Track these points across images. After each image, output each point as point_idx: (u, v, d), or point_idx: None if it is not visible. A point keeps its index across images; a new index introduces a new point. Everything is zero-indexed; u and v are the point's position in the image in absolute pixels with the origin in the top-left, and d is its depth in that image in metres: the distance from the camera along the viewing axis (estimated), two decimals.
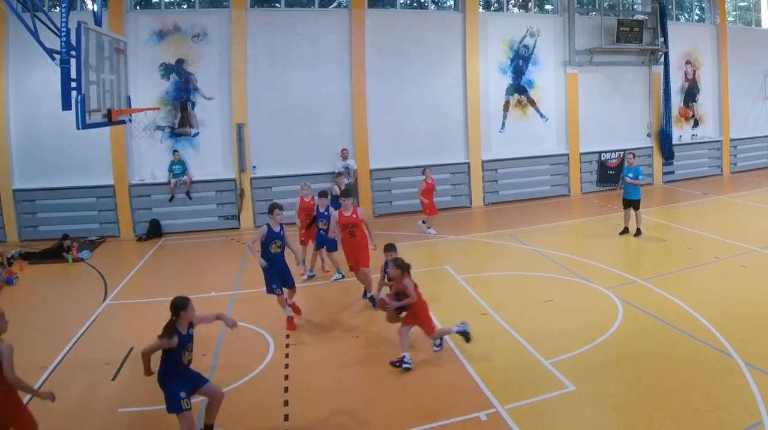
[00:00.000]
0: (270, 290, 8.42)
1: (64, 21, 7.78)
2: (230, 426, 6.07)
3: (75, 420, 6.26)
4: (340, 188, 12.66)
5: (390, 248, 8.04)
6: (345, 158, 15.79)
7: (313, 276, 11.03)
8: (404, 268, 7.17)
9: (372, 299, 9.09)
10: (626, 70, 19.09)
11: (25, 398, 5.67)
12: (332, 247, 10.54)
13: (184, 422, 5.34)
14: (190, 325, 5.54)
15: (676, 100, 19.82)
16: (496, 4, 18.48)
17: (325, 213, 10.39)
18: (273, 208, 8.45)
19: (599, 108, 18.64)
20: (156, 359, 5.46)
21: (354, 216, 9.12)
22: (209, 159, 15.56)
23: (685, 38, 19.74)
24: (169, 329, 5.33)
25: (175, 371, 5.41)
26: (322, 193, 10.59)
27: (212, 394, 5.74)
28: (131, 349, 7.88)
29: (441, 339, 7.61)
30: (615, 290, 9.44)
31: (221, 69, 15.35)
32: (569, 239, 13.69)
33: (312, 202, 10.97)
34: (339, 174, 13.63)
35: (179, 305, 5.42)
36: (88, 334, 8.66)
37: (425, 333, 7.32)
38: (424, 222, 14.29)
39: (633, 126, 19.24)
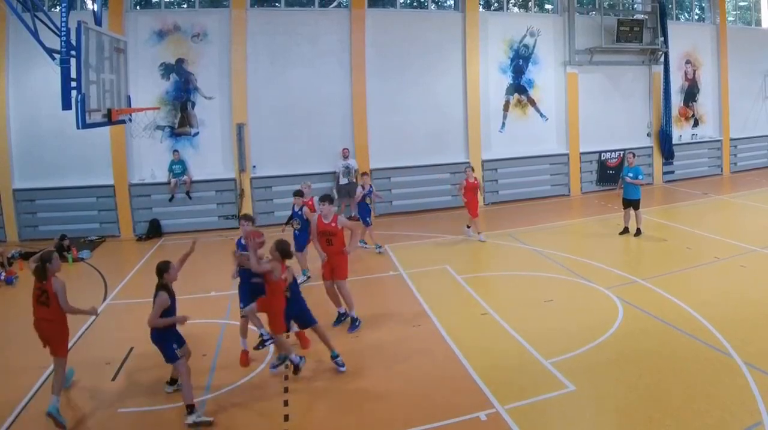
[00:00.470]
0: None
1: (64, 21, 7.78)
2: (230, 426, 6.09)
3: (75, 420, 6.25)
4: (364, 189, 12.54)
5: (247, 217, 7.97)
6: (346, 158, 15.81)
7: (309, 277, 10.72)
8: (283, 254, 6.84)
9: (354, 320, 8.46)
10: (626, 70, 19.09)
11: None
12: (300, 247, 10.46)
13: (182, 368, 6.29)
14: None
15: (676, 100, 19.82)
16: (496, 4, 18.47)
17: (299, 212, 10.39)
18: (240, 219, 8.04)
19: (599, 108, 18.64)
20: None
21: (333, 224, 8.41)
22: (209, 159, 15.56)
23: (685, 38, 19.73)
24: (165, 287, 6.24)
25: (169, 327, 6.29)
26: (297, 193, 10.56)
27: (186, 353, 6.57)
28: (131, 349, 7.89)
29: (282, 363, 7.12)
30: (615, 290, 9.45)
31: (221, 69, 15.34)
32: (569, 238, 13.69)
33: (311, 201, 11.01)
34: (364, 173, 13.23)
35: (162, 268, 6.34)
36: (89, 334, 8.65)
37: (270, 329, 7.02)
38: (469, 227, 13.50)
39: (633, 126, 19.24)
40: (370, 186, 12.73)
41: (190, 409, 6.11)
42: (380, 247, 12.58)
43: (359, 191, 12.62)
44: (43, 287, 6.38)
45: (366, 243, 12.85)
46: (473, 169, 13.71)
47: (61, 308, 6.32)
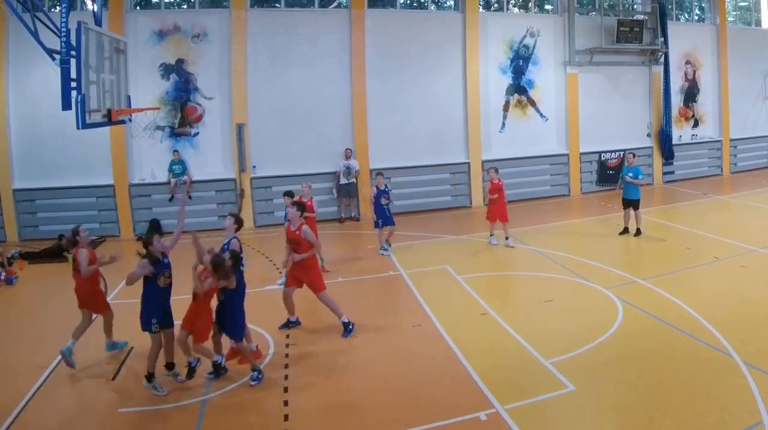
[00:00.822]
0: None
1: (64, 21, 7.77)
2: (230, 426, 6.09)
3: (75, 420, 6.26)
4: (378, 188, 12.12)
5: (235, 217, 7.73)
6: (348, 158, 15.81)
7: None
8: (214, 268, 6.72)
9: (346, 325, 8.20)
10: (626, 70, 19.09)
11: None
12: None
13: (154, 340, 6.74)
14: (164, 255, 6.90)
15: (676, 100, 19.82)
16: (496, 4, 18.48)
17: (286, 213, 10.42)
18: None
19: (599, 108, 18.64)
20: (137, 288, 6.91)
21: (297, 233, 8.05)
22: (209, 159, 15.56)
23: (685, 38, 19.74)
24: (148, 256, 6.79)
25: (154, 294, 6.77)
26: (287, 193, 10.52)
27: (169, 338, 6.93)
28: (131, 349, 7.90)
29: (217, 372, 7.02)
30: (615, 290, 9.45)
31: (221, 69, 15.35)
32: (569, 238, 13.69)
33: (311, 202, 11.06)
34: (379, 173, 12.64)
35: (147, 242, 6.88)
36: (89, 333, 8.61)
37: (193, 340, 6.88)
38: (507, 238, 12.70)
39: (633, 126, 19.25)
40: (385, 186, 12.28)
41: (149, 377, 6.69)
42: (386, 249, 12.34)
43: (373, 191, 12.27)
44: (74, 255, 7.50)
45: (389, 247, 12.42)
46: (497, 171, 12.84)
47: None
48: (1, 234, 14.57)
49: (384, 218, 12.23)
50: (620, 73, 18.99)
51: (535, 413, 6.07)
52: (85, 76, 7.76)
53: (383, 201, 12.13)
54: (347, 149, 15.88)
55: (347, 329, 8.21)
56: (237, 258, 6.99)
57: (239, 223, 7.78)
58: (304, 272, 8.15)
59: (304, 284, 8.25)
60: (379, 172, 12.80)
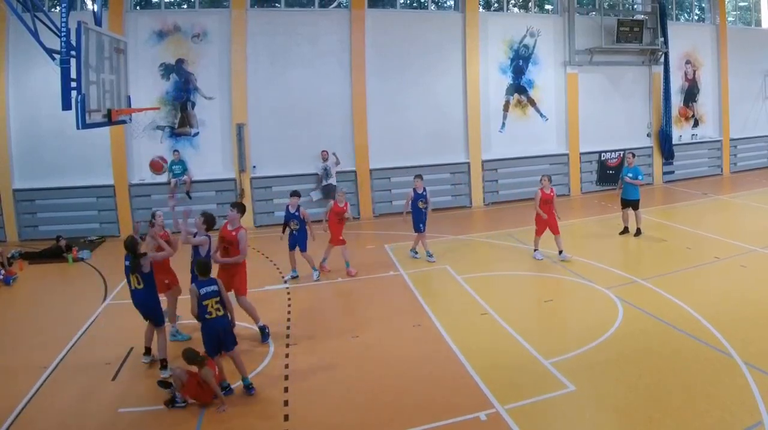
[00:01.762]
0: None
1: (64, 21, 7.77)
2: (231, 426, 6.09)
3: (75, 420, 6.26)
4: (416, 192, 11.59)
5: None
6: (325, 160, 15.68)
7: (297, 277, 10.85)
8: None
9: (263, 328, 8.14)
10: (626, 70, 19.08)
11: None
12: (303, 247, 10.59)
13: (165, 333, 7.42)
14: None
15: (676, 100, 19.82)
16: (496, 4, 18.48)
17: (295, 213, 10.46)
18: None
19: (599, 108, 18.63)
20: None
21: (234, 233, 8.12)
22: (209, 159, 15.55)
23: (685, 38, 19.74)
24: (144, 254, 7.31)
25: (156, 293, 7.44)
26: (294, 193, 10.58)
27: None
28: (131, 349, 7.89)
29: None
30: (615, 290, 9.45)
31: (221, 69, 15.35)
32: (569, 238, 13.60)
33: (345, 206, 11.07)
34: (418, 176, 11.87)
35: (136, 245, 7.21)
36: (89, 334, 8.66)
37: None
38: (536, 250, 11.74)
39: (633, 126, 19.24)
40: (424, 189, 11.63)
41: (164, 363, 7.15)
42: (416, 253, 12.03)
43: (411, 194, 11.68)
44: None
45: (417, 253, 12.06)
46: (550, 179, 11.93)
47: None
48: (1, 234, 14.56)
49: (421, 222, 11.67)
50: (620, 73, 18.98)
51: (535, 413, 6.08)
52: (85, 76, 7.75)
53: (420, 205, 11.60)
54: (323, 152, 15.66)
55: (264, 333, 8.11)
56: (206, 267, 6.92)
57: (208, 223, 8.05)
58: (230, 276, 8.06)
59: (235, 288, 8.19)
60: (418, 175, 11.91)
